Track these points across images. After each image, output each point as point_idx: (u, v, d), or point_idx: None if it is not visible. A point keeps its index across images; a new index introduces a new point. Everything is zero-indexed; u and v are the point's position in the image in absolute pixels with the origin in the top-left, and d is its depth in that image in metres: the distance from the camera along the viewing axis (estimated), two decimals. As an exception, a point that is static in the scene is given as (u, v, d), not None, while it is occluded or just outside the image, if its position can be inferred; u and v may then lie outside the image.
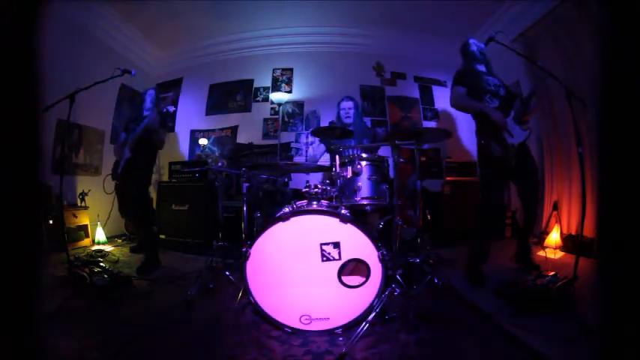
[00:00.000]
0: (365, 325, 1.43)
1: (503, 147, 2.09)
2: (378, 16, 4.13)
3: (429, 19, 4.10)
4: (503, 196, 2.41)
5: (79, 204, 3.45)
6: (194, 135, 4.82)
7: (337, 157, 1.89)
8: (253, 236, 1.63)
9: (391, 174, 1.91)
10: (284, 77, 4.69)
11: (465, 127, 4.39)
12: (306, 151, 2.66)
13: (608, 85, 0.46)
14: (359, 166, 1.76)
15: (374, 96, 4.62)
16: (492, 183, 2.22)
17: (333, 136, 2.03)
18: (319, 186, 1.80)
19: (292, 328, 1.55)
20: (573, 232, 2.92)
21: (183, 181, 3.62)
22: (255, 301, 1.59)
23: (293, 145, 4.47)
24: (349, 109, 2.71)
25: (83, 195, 3.47)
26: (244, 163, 2.22)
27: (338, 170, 1.84)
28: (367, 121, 4.36)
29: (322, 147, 2.83)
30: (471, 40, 2.35)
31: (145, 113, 2.71)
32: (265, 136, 4.57)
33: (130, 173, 2.60)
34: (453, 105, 2.30)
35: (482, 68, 2.30)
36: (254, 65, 4.73)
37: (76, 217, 3.27)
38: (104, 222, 3.61)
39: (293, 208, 1.65)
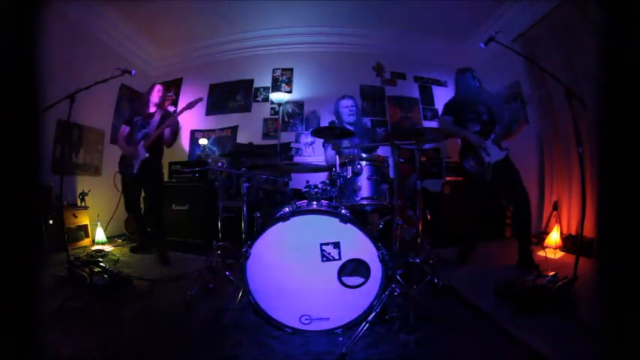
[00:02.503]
0: (365, 325, 1.42)
1: (479, 164, 2.43)
2: (378, 16, 4.13)
3: (428, 19, 4.10)
4: (479, 209, 2.69)
5: (79, 204, 3.45)
6: (194, 135, 4.82)
7: (337, 157, 1.88)
8: (253, 236, 1.63)
9: (391, 174, 1.91)
10: (284, 77, 4.69)
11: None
12: (325, 153, 2.72)
13: (608, 85, 0.46)
14: (359, 166, 1.76)
15: (374, 96, 4.63)
16: (472, 197, 2.65)
17: (333, 136, 2.03)
18: (319, 186, 1.79)
19: (292, 328, 1.54)
20: (573, 232, 2.92)
21: (184, 181, 3.62)
22: (255, 301, 1.59)
23: (293, 145, 4.47)
24: (352, 106, 2.68)
25: (83, 195, 3.47)
26: (244, 163, 2.22)
27: (338, 170, 1.83)
28: (367, 121, 4.36)
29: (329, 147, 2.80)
30: (463, 72, 2.63)
31: (152, 109, 2.75)
32: (265, 136, 4.57)
33: (148, 173, 2.67)
34: (439, 131, 2.68)
35: (472, 95, 2.57)
36: (254, 65, 4.73)
37: (76, 217, 3.27)
38: (107, 223, 3.60)
39: (293, 208, 1.65)
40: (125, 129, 2.78)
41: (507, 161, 2.44)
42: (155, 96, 2.79)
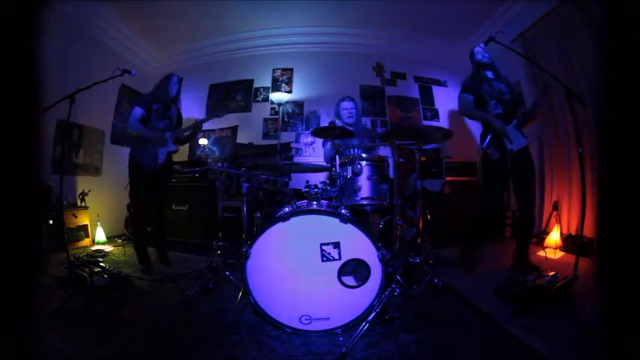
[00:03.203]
0: (365, 325, 1.43)
1: (501, 152, 2.24)
2: (378, 16, 4.13)
3: (429, 19, 4.10)
4: (502, 197, 2.53)
5: (79, 204, 3.45)
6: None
7: (337, 157, 1.88)
8: (253, 236, 1.63)
9: (391, 174, 1.91)
10: (284, 77, 4.69)
11: (465, 126, 4.40)
12: (323, 150, 2.70)
13: (608, 86, 0.46)
14: (359, 166, 1.76)
15: (374, 96, 4.63)
16: (491, 184, 2.42)
17: (333, 136, 2.03)
18: (319, 186, 1.79)
19: (292, 328, 1.55)
20: (573, 232, 2.92)
21: (184, 181, 3.62)
22: (255, 301, 1.59)
23: (293, 145, 4.48)
24: (352, 109, 2.70)
25: (83, 195, 3.47)
26: (244, 163, 2.22)
27: (338, 170, 1.84)
28: (367, 121, 4.37)
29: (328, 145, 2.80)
30: (476, 49, 2.45)
31: (171, 97, 2.63)
32: (265, 136, 4.58)
33: (168, 167, 2.62)
34: (460, 113, 2.47)
35: (489, 74, 2.39)
36: (254, 65, 4.73)
37: (76, 217, 3.27)
38: (110, 221, 3.60)
39: (293, 208, 1.65)
40: (138, 111, 2.46)
41: (525, 152, 2.28)
42: (173, 88, 2.61)
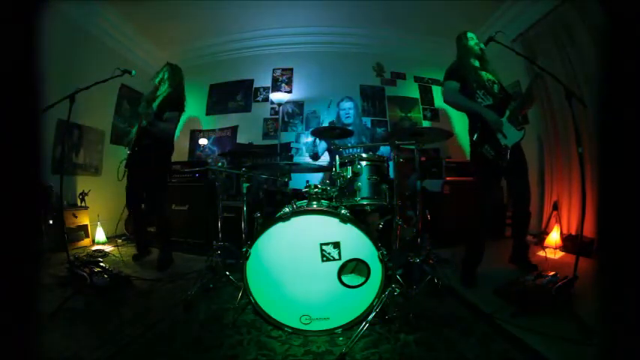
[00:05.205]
0: (365, 325, 1.43)
1: (496, 148, 2.04)
2: (378, 16, 4.13)
3: (428, 19, 4.10)
4: (499, 196, 2.38)
5: (79, 204, 3.45)
6: (194, 135, 4.82)
7: (337, 157, 1.88)
8: (253, 236, 1.63)
9: (391, 174, 1.91)
10: (284, 77, 4.69)
11: (465, 126, 4.40)
12: (307, 148, 2.67)
13: (608, 86, 0.46)
14: (359, 166, 1.76)
15: (374, 96, 4.63)
16: (486, 183, 2.18)
17: (333, 136, 2.03)
18: (319, 186, 1.79)
19: (292, 328, 1.55)
20: (573, 232, 2.92)
21: (184, 181, 3.62)
22: (255, 301, 1.60)
23: (293, 145, 4.48)
24: (349, 109, 2.73)
25: (83, 195, 3.47)
26: (244, 163, 2.22)
27: (338, 170, 1.84)
28: (367, 121, 4.37)
29: (323, 144, 2.82)
30: (471, 34, 2.27)
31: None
32: (265, 136, 4.58)
33: (147, 147, 2.50)
34: (445, 101, 2.25)
35: (476, 63, 2.22)
36: (254, 65, 4.73)
37: (76, 217, 3.27)
38: (110, 221, 3.59)
39: (293, 208, 1.65)
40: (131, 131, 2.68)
41: (518, 147, 2.13)
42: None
